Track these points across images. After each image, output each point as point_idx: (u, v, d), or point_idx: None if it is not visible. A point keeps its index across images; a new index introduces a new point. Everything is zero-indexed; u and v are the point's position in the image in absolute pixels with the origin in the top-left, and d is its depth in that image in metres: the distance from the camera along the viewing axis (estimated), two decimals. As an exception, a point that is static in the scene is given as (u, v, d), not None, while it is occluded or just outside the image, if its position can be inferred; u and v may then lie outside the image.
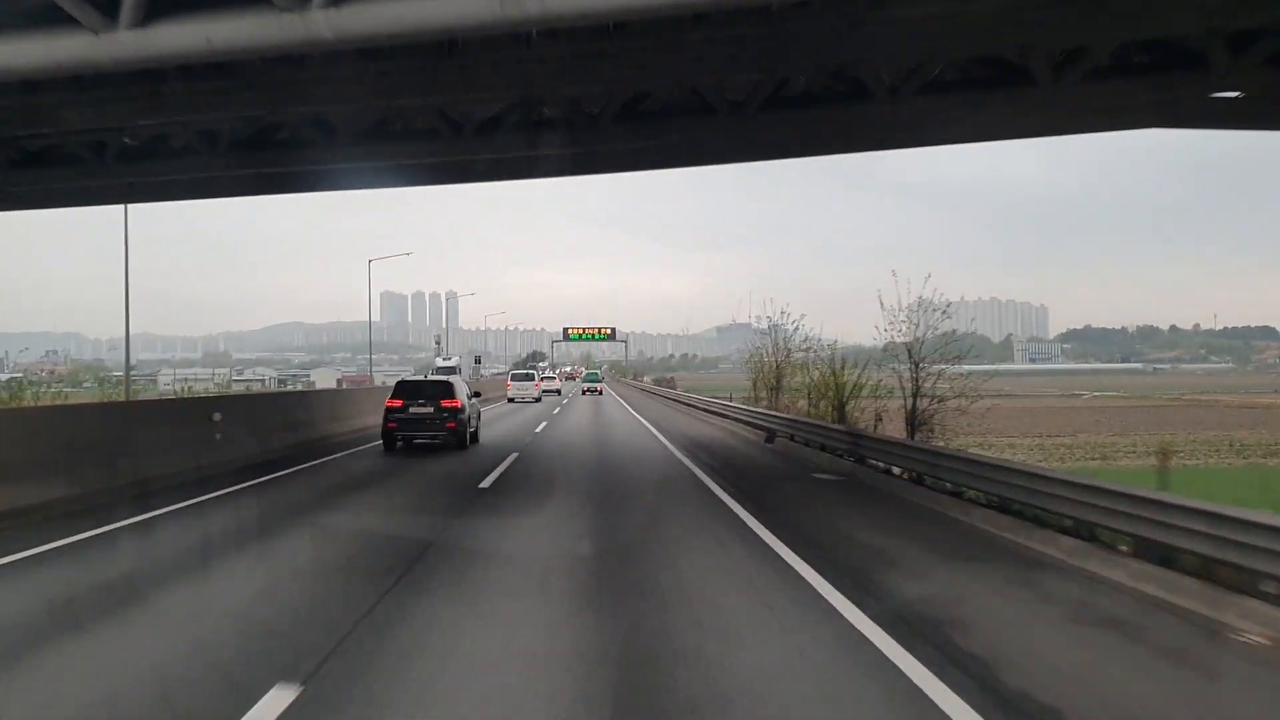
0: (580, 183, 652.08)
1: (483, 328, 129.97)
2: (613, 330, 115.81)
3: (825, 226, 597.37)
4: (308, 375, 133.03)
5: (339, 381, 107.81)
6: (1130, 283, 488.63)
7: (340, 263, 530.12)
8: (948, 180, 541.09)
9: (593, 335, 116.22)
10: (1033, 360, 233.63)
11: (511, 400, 48.70)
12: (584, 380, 75.45)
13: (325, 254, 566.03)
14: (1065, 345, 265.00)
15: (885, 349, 19.16)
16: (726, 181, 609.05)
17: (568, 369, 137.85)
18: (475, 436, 21.04)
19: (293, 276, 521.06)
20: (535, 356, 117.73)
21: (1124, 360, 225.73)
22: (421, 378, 25.59)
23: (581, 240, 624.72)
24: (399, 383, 20.76)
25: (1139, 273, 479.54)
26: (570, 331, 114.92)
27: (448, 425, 19.02)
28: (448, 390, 19.52)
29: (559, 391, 62.67)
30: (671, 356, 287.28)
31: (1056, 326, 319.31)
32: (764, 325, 29.62)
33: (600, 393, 65.42)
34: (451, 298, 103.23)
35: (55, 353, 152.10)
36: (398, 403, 19.21)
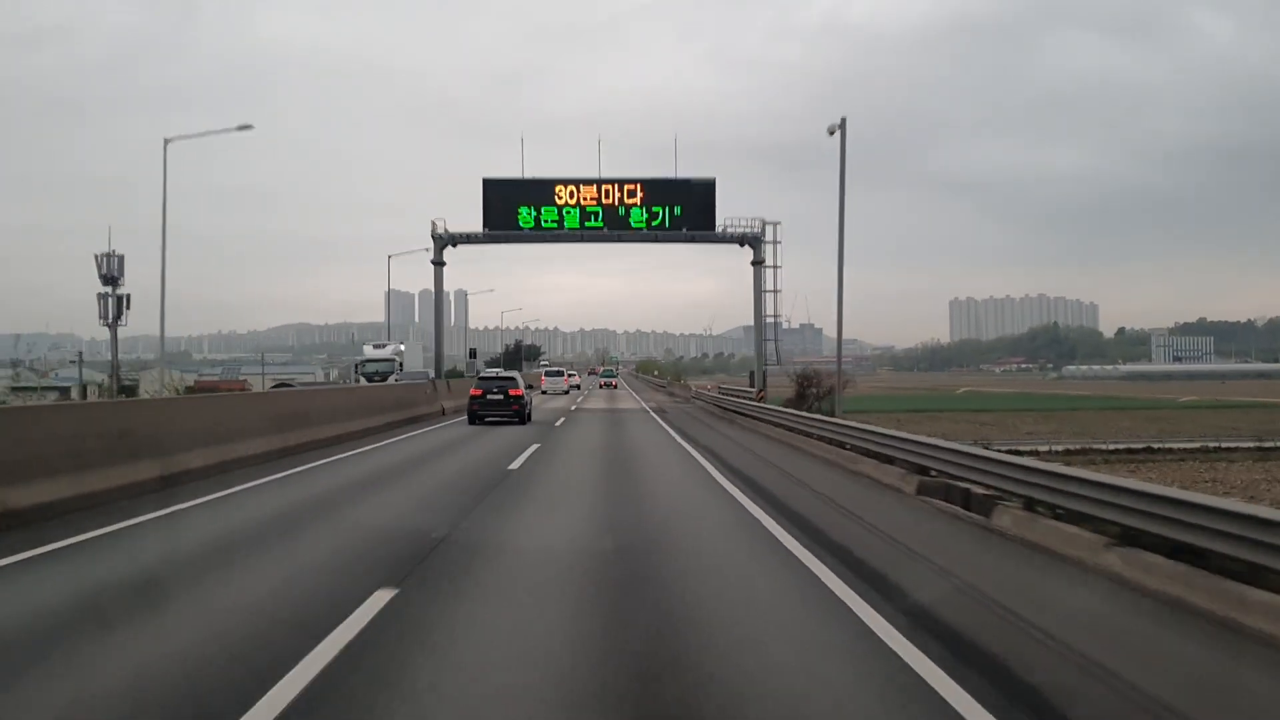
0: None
1: (494, 326, 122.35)
2: (686, 183, 38.83)
3: (864, 226, 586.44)
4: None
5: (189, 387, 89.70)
6: (1177, 278, 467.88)
7: (352, 263, 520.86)
8: (991, 177, 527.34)
9: (625, 202, 38.31)
10: (1177, 359, 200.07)
11: (544, 392, 54.81)
12: (602, 376, 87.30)
13: (339, 255, 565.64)
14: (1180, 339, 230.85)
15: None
16: (755, 179, 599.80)
17: (554, 368, 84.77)
18: (529, 416, 28.17)
19: (306, 279, 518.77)
20: (529, 352, 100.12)
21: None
22: (495, 373, 31.58)
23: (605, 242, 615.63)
24: (479, 377, 30.13)
25: (1196, 266, 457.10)
26: (561, 198, 38.14)
27: (512, 408, 26.78)
28: (514, 383, 27.80)
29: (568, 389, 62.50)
30: (705, 356, 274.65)
31: (1107, 324, 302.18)
32: (795, 325, 24.35)
33: (615, 386, 74.09)
34: (460, 296, 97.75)
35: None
36: (479, 392, 26.96)
